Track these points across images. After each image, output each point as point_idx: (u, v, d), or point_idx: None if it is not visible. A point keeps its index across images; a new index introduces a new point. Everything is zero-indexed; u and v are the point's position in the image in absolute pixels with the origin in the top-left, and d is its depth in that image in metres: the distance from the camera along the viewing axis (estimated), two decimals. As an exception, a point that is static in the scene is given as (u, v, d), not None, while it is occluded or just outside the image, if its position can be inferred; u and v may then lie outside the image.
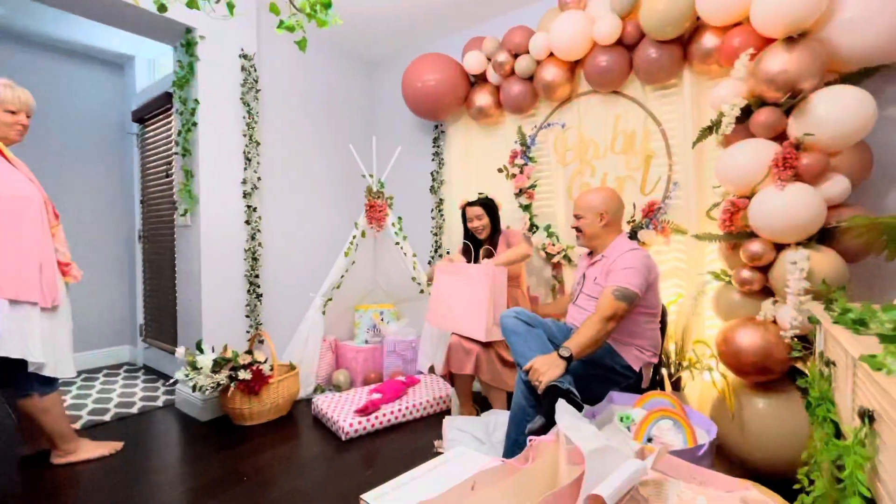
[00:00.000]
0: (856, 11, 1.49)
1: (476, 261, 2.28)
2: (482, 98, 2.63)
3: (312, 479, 1.75)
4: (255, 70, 2.53)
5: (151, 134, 3.08)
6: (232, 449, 2.00)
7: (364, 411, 2.17)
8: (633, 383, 1.60)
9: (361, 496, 0.87)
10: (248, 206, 2.52)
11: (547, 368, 1.36)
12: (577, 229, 1.79)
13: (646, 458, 0.75)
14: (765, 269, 1.65)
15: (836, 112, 1.47)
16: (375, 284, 3.12)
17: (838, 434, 0.87)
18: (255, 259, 2.54)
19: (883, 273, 1.63)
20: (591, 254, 1.82)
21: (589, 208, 1.74)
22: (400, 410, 2.27)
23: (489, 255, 2.24)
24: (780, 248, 1.59)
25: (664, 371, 1.92)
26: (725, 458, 1.73)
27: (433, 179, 3.01)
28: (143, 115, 3.08)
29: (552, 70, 2.32)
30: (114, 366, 3.31)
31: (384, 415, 2.20)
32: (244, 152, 2.51)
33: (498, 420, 1.82)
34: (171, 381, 2.48)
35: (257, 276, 2.56)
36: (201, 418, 2.31)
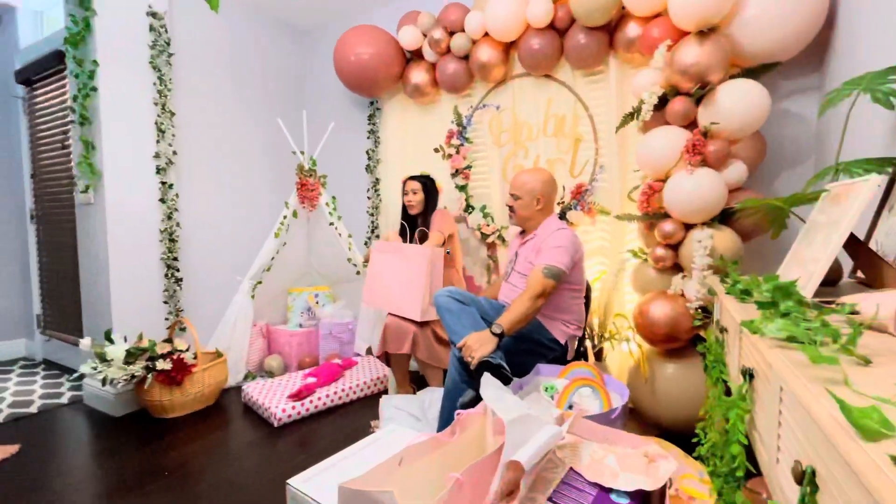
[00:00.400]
0: (757, 10, 1.63)
1: (411, 241, 2.28)
2: (418, 75, 2.58)
3: (242, 467, 1.68)
4: (167, 31, 2.29)
5: (42, 98, 2.70)
6: (151, 444, 1.87)
7: (298, 396, 2.12)
8: (559, 355, 1.69)
9: (287, 481, 0.85)
10: (163, 183, 2.31)
11: (479, 345, 1.40)
12: (511, 208, 1.82)
13: (563, 424, 0.79)
14: (676, 247, 1.80)
15: (738, 103, 1.61)
16: (309, 266, 3.01)
17: (729, 392, 0.98)
18: (172, 241, 2.34)
19: (771, 250, 1.85)
20: (523, 233, 1.87)
21: (527, 191, 1.78)
22: (336, 393, 2.24)
23: (424, 237, 2.24)
24: (689, 227, 1.74)
25: (588, 343, 2.05)
26: (641, 419, 1.90)
27: (369, 158, 2.93)
28: (30, 76, 2.68)
29: (487, 50, 2.32)
30: (6, 362, 2.94)
31: (319, 398, 2.16)
32: (156, 123, 2.28)
33: (433, 397, 1.86)
34: (76, 375, 2.25)
35: (176, 259, 2.36)
36: (115, 413, 2.13)
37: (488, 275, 2.58)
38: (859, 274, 1.06)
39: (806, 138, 1.88)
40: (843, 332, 0.54)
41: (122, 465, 1.70)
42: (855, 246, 0.96)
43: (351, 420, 2.08)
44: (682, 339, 1.75)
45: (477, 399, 1.35)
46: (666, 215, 1.77)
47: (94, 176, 2.10)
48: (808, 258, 0.99)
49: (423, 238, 2.24)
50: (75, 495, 1.52)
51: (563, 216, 2.27)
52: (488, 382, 0.80)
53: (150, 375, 1.99)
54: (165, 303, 2.35)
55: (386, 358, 2.12)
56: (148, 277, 2.29)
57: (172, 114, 2.33)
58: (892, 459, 0.27)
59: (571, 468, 0.74)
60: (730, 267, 1.08)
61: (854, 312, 0.64)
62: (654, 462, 0.73)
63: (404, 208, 2.36)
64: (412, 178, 2.33)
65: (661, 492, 0.72)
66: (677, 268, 1.83)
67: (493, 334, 1.43)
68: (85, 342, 2.03)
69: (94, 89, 2.07)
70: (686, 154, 1.67)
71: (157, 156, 2.28)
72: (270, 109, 2.93)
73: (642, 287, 1.91)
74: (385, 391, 2.38)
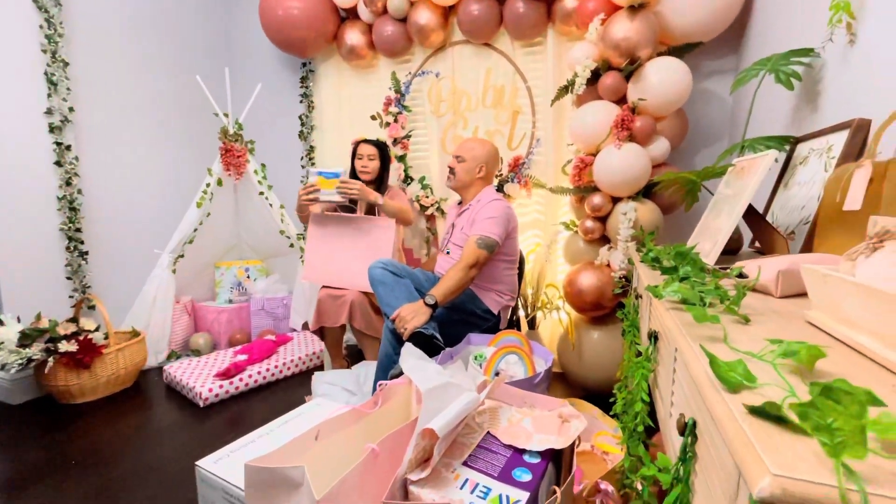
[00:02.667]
0: (683, -11, 1.68)
1: (354, 211, 2.16)
2: (353, 36, 2.44)
3: (163, 452, 1.59)
4: (54, -35, 1.97)
5: None
6: (58, 431, 1.71)
7: (226, 374, 2.02)
8: (492, 325, 1.73)
9: (196, 462, 0.80)
10: (58, 144, 2.03)
11: (412, 316, 1.39)
12: (452, 170, 1.78)
13: (483, 391, 0.80)
14: (604, 220, 1.87)
15: (664, 80, 1.67)
16: (239, 239, 2.83)
17: (640, 355, 1.04)
18: (73, 209, 2.09)
19: (689, 222, 1.98)
20: (460, 204, 1.86)
21: (473, 156, 1.75)
22: (268, 370, 2.16)
23: (370, 211, 2.12)
24: (616, 200, 1.81)
25: (521, 312, 2.11)
26: (568, 382, 2.01)
27: (302, 124, 2.76)
28: None
29: (425, 13, 2.23)
30: None
31: (249, 376, 2.08)
32: (46, 74, 1.99)
33: (369, 371, 1.84)
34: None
35: (79, 231, 2.12)
36: (12, 401, 1.92)
37: (427, 247, 2.57)
38: (757, 244, 1.16)
39: (722, 117, 2.00)
40: (731, 293, 0.58)
41: (22, 456, 1.54)
42: (753, 217, 1.03)
43: (283, 397, 2.02)
44: (607, 307, 1.85)
45: None
46: (595, 189, 1.83)
47: (-32, 133, 1.81)
48: (714, 228, 1.06)
49: (370, 212, 2.13)
50: (-40, 493, 1.36)
51: (500, 189, 2.28)
52: (409, 352, 0.79)
53: (51, 359, 1.80)
54: (69, 278, 2.12)
55: (321, 332, 2.06)
56: (45, 250, 2.04)
57: (66, 63, 2.04)
58: (747, 408, 0.28)
59: (489, 432, 0.75)
60: (646, 238, 1.14)
61: (742, 276, 0.68)
62: (567, 422, 0.76)
63: (353, 174, 2.16)
64: (367, 141, 2.14)
65: (572, 448, 0.75)
66: (605, 239, 1.92)
67: (427, 305, 1.42)
68: (-33, 324, 1.78)
69: (-39, 29, 1.75)
70: (615, 129, 1.71)
71: (49, 112, 2.00)
72: (189, 65, 2.65)
73: (572, 258, 1.99)
74: (321, 367, 2.33)
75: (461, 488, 0.63)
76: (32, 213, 1.99)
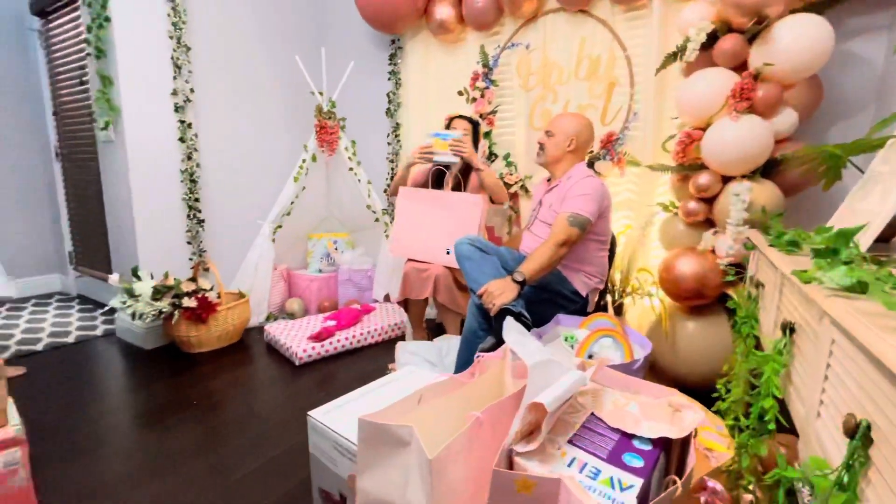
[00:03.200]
0: (831, -68, 1.43)
1: (442, 187, 2.19)
2: (443, 10, 2.41)
3: (265, 400, 1.76)
4: (179, -43, 2.16)
5: (57, 31, 2.63)
6: (180, 376, 1.96)
7: (318, 337, 2.17)
8: (579, 308, 1.67)
9: (308, 413, 0.87)
10: (182, 122, 2.27)
11: (500, 292, 1.38)
12: (541, 146, 1.74)
13: (587, 371, 0.78)
14: (710, 201, 1.70)
15: (797, 42, 1.45)
16: (329, 212, 3.00)
17: (758, 348, 0.95)
18: (193, 181, 2.34)
19: (812, 206, 1.74)
20: (549, 181, 1.80)
21: (562, 129, 1.70)
22: (354, 336, 2.29)
23: (458, 185, 2.15)
24: (726, 180, 1.64)
25: (608, 297, 2.02)
26: (658, 374, 1.90)
27: (389, 101, 2.82)
28: (45, 7, 2.61)
29: (519, -19, 2.13)
30: (44, 295, 3.09)
31: (338, 340, 2.22)
32: (172, 58, 2.21)
33: (450, 345, 1.87)
34: (106, 308, 2.33)
35: (198, 200, 2.37)
36: (145, 346, 2.24)
37: (509, 226, 2.53)
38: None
39: (868, 84, 1.71)
40: (912, 282, 0.49)
41: (154, 395, 1.79)
42: (919, 198, 0.87)
43: (368, 362, 2.13)
44: (708, 297, 1.70)
45: (496, 346, 1.35)
46: (703, 166, 1.67)
47: (112, 112, 2.08)
48: (863, 211, 0.91)
49: (457, 188, 2.15)
50: (111, 419, 1.62)
51: (590, 166, 2.17)
52: (511, 326, 0.78)
53: (176, 312, 2.05)
54: (189, 243, 2.39)
55: (405, 304, 2.13)
56: (171, 218, 2.31)
57: (188, 48, 2.25)
58: None
59: (593, 413, 0.73)
60: (773, 219, 1.01)
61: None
62: (679, 412, 0.71)
63: None
64: (461, 116, 2.17)
65: (684, 442, 0.70)
66: (709, 223, 1.75)
67: (515, 282, 1.40)
68: (113, 278, 2.09)
69: (108, 19, 1.99)
70: (732, 99, 1.54)
71: (174, 93, 2.23)
72: (288, 46, 2.80)
73: (670, 242, 1.84)
74: (402, 337, 2.42)
75: (569, 465, 0.62)
76: (161, 184, 2.26)
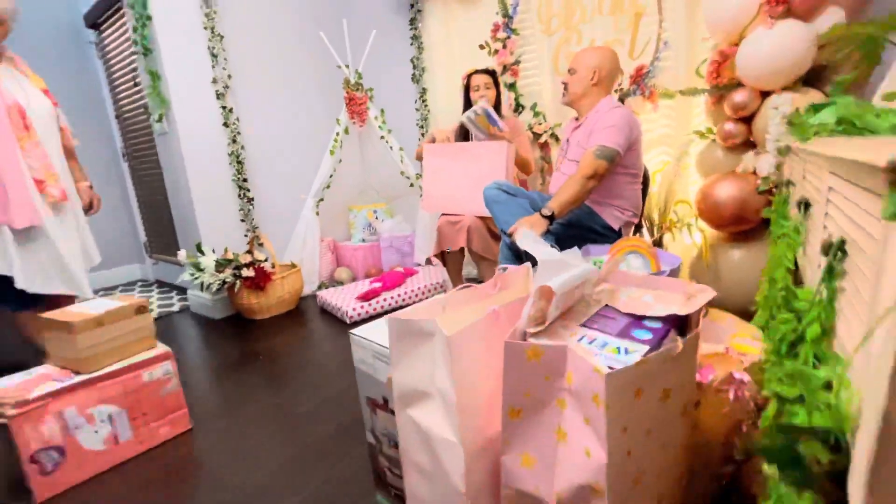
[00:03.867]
0: None
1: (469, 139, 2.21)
2: (458, -36, 2.39)
3: (321, 352, 1.92)
4: (204, -51, 2.29)
5: (110, 39, 2.88)
6: (246, 337, 2.17)
7: (365, 297, 2.31)
8: (611, 242, 1.66)
9: (351, 331, 0.97)
10: (224, 108, 2.44)
11: (529, 227, 1.41)
12: (566, 85, 1.72)
13: (598, 267, 0.81)
14: (749, 121, 1.62)
15: (837, -70, 1.33)
16: (366, 183, 3.11)
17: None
18: (240, 163, 2.52)
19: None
20: (577, 119, 1.78)
21: (584, 64, 1.66)
22: (399, 296, 2.40)
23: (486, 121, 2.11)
24: (765, 95, 1.55)
25: (647, 235, 1.98)
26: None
27: (414, 67, 2.85)
28: (96, 19, 2.85)
29: (532, -81, 2.07)
30: (128, 283, 3.47)
31: (384, 300, 2.34)
32: (209, 48, 2.36)
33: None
34: (182, 281, 2.57)
35: (245, 181, 2.55)
36: (215, 317, 2.48)
37: (542, 177, 2.52)
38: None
39: (931, -31, 1.52)
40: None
41: (226, 352, 2.01)
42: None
43: (414, 317, 2.24)
44: (752, 221, 1.63)
45: None
46: (739, 84, 1.58)
47: (164, 104, 2.27)
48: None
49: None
50: (196, 374, 1.84)
51: (621, 102, 2.10)
52: (528, 235, 0.82)
53: (238, 282, 2.26)
54: (242, 221, 2.59)
55: (442, 259, 2.21)
56: (224, 198, 2.51)
57: (221, 37, 2.39)
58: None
59: (608, 304, 0.76)
60: (801, 116, 0.96)
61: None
62: (693, 297, 0.73)
63: (468, 102, 2.21)
64: (479, 71, 2.19)
65: (698, 321, 0.72)
66: (749, 145, 1.67)
67: (543, 217, 1.43)
68: (181, 253, 2.33)
69: (150, 17, 2.16)
70: (766, 4, 1.44)
71: (214, 81, 2.39)
72: (312, 22, 2.87)
73: (709, 170, 1.77)
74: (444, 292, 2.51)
75: (578, 340, 0.67)
76: (213, 168, 2.45)
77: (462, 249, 2.07)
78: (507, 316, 0.75)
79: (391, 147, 2.71)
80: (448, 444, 0.71)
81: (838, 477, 0.35)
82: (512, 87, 2.44)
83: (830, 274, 0.42)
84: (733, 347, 1.09)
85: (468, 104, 2.19)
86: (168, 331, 2.37)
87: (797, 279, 0.72)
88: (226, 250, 2.38)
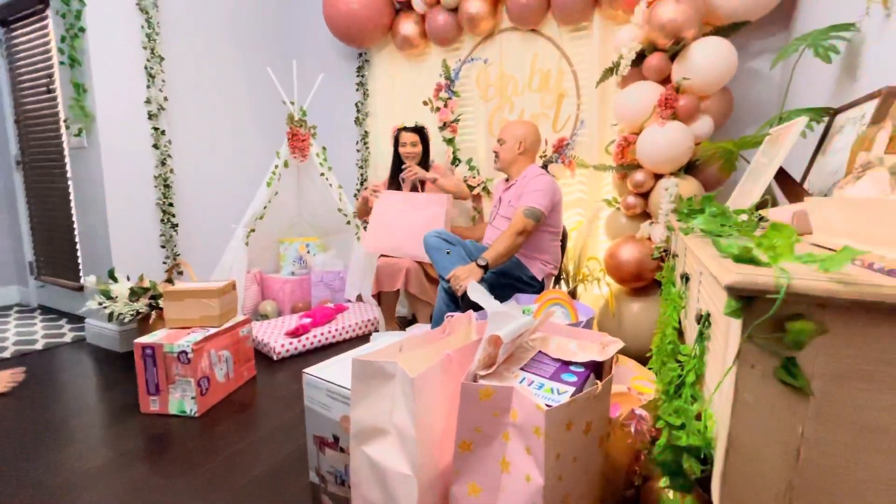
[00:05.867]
0: (730, -30, 1.73)
1: (399, 188, 2.43)
2: (407, 27, 2.61)
3: (248, 390, 1.85)
4: (152, -28, 2.26)
5: (22, 40, 2.64)
6: (159, 373, 2.01)
7: (295, 333, 2.27)
8: (536, 291, 1.87)
9: (304, 370, 1.01)
10: (155, 129, 2.34)
11: (466, 275, 1.56)
12: (497, 154, 1.97)
13: (535, 319, 0.96)
14: (646, 196, 1.96)
15: (708, 60, 1.73)
16: (300, 217, 3.10)
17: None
18: (167, 186, 2.40)
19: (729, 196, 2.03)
20: (507, 181, 2.01)
21: (512, 136, 1.93)
22: (330, 332, 2.40)
23: (416, 186, 2.36)
24: (658, 177, 1.90)
25: (564, 286, 2.24)
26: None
27: (358, 111, 2.98)
28: (7, 17, 2.61)
29: (476, 3, 2.36)
30: (1, 307, 3.01)
31: (315, 336, 2.32)
32: (146, 67, 2.29)
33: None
34: (82, 311, 2.33)
35: (171, 205, 2.43)
36: (120, 349, 2.26)
37: (473, 223, 2.72)
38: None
39: (769, 96, 2.03)
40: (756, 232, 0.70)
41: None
42: (786, 181, 1.12)
43: (345, 354, 2.25)
44: (647, 279, 1.94)
45: None
46: (638, 166, 1.92)
47: (86, 119, 2.13)
48: (748, 193, 1.15)
49: (417, 187, 2.37)
50: (102, 411, 1.67)
51: (544, 168, 2.40)
52: (476, 286, 0.95)
53: (153, 312, 2.10)
54: (163, 247, 2.44)
55: (378, 298, 2.28)
56: (145, 222, 2.36)
57: (161, 58, 2.33)
58: (732, 257, 0.42)
59: (540, 351, 0.91)
60: (683, 203, 1.24)
61: (761, 218, 0.80)
62: (607, 346, 0.90)
63: (398, 160, 2.44)
64: (407, 129, 2.39)
65: (610, 366, 0.89)
66: (646, 215, 2.01)
67: (479, 266, 1.59)
68: (90, 279, 2.12)
69: (83, 30, 2.06)
70: (659, 108, 1.80)
71: (148, 101, 2.30)
72: (260, 58, 2.92)
73: (614, 233, 2.09)
74: (376, 331, 2.55)
75: (520, 382, 0.80)
76: (135, 190, 2.31)
77: (398, 290, 2.16)
78: (458, 360, 0.86)
79: (331, 184, 2.76)
80: (403, 478, 0.79)
81: (708, 483, 0.51)
82: (450, 142, 2.66)
83: (701, 337, 0.59)
84: (634, 388, 1.30)
85: (397, 156, 2.45)
86: (57, 365, 2.11)
87: (681, 335, 0.93)
88: (141, 278, 2.22)
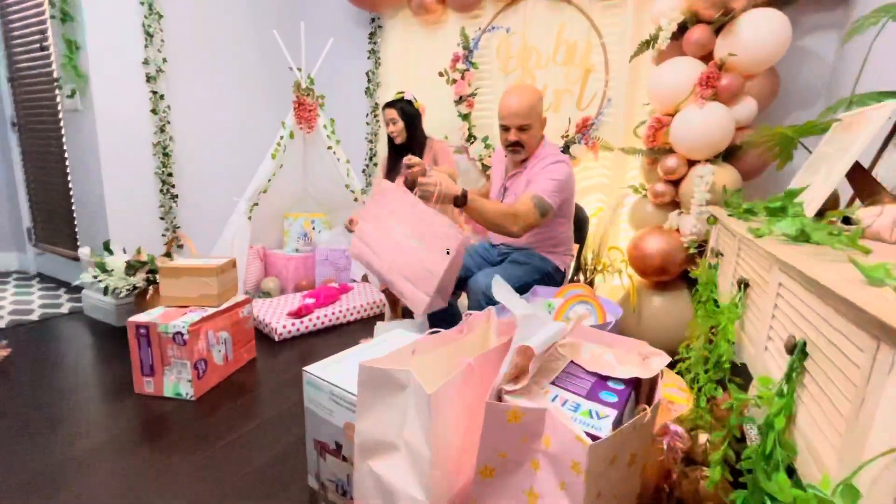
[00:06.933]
0: (792, -68, 1.54)
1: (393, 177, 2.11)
2: (424, -10, 2.42)
3: (247, 373, 1.77)
4: (150, -81, 2.07)
5: (12, -7, 2.47)
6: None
7: (297, 314, 2.18)
8: (558, 283, 1.75)
9: (304, 368, 0.91)
10: (154, 93, 2.20)
11: (441, 185, 1.34)
12: (520, 143, 1.56)
13: (567, 325, 0.85)
14: (676, 184, 1.82)
15: (758, 35, 1.56)
16: (305, 192, 2.98)
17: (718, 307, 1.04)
18: (166, 155, 2.28)
19: (767, 189, 1.88)
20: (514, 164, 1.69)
21: (535, 115, 1.53)
22: (333, 314, 2.31)
23: (412, 184, 2.01)
24: (692, 163, 1.75)
25: (581, 276, 2.12)
26: (623, 346, 2.01)
27: (369, 81, 2.81)
28: (-2, -35, 2.44)
29: (501, -36, 2.17)
30: (1, 274, 2.94)
31: (318, 317, 2.24)
32: (143, 25, 2.13)
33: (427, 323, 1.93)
34: (75, 284, 2.26)
35: (171, 175, 2.31)
36: (116, 323, 2.19)
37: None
38: (857, 203, 1.10)
39: (819, 78, 1.85)
40: (844, 233, 0.57)
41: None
42: (856, 174, 0.98)
43: (347, 339, 2.16)
44: (673, 273, 1.82)
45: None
46: (671, 150, 1.78)
47: (79, 79, 1.99)
48: (814, 187, 1.02)
49: (410, 184, 2.11)
50: (90, 392, 1.60)
51: (566, 150, 2.25)
52: (501, 286, 0.84)
53: (150, 287, 2.02)
54: (162, 219, 2.34)
55: (384, 288, 2.16)
56: (143, 192, 2.25)
57: (160, 16, 2.17)
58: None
59: (572, 361, 0.80)
60: (734, 195, 1.11)
61: (849, 221, 0.67)
62: (648, 358, 0.79)
63: (390, 139, 2.21)
64: (388, 104, 2.14)
65: (652, 384, 0.79)
66: (675, 204, 1.87)
67: (456, 196, 1.36)
68: (84, 251, 2.03)
69: (75, -20, 1.90)
70: (699, 87, 1.64)
71: (146, 62, 2.16)
72: (266, 19, 2.73)
73: (639, 222, 1.95)
74: (380, 315, 2.46)
75: (552, 401, 0.69)
76: (132, 157, 2.19)
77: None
78: (480, 369, 0.76)
79: (338, 158, 2.62)
80: (413, 502, 0.69)
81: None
82: (466, 117, 2.50)
83: (792, 371, 0.48)
84: (663, 396, 1.20)
85: (389, 137, 2.20)
86: (52, 337, 2.04)
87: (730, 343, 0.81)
88: (139, 251, 2.12)
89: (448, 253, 1.36)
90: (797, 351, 0.48)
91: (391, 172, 2.21)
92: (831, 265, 0.47)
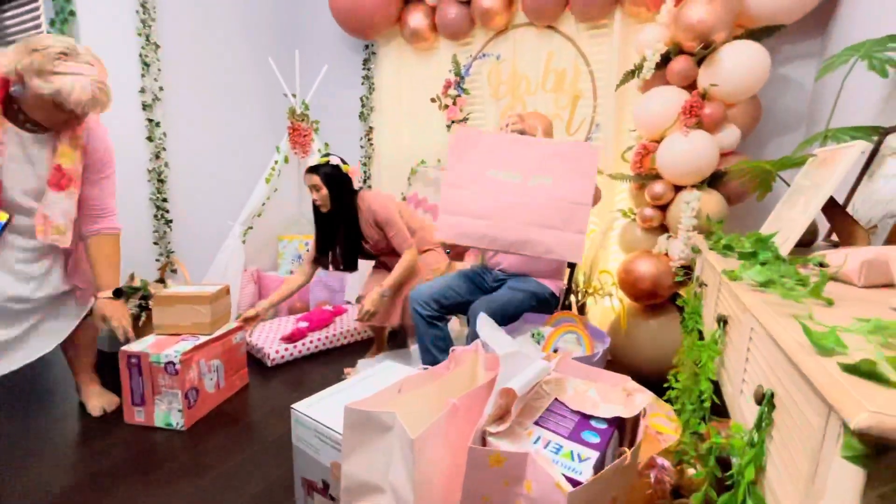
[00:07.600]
0: (767, -32, 1.60)
1: (340, 254, 2.03)
2: (416, 19, 2.48)
3: (238, 401, 1.76)
4: (149, -46, 2.13)
5: (11, 23, 2.52)
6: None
7: (290, 339, 2.18)
8: (551, 310, 1.76)
9: (292, 406, 0.91)
10: (150, 120, 2.23)
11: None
12: None
13: (551, 362, 0.86)
14: (664, 208, 1.85)
15: (739, 66, 1.61)
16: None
17: (702, 339, 1.06)
18: (161, 181, 2.30)
19: (754, 215, 1.91)
20: None
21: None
22: (327, 338, 2.31)
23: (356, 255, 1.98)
24: (678, 189, 1.78)
25: (572, 298, 2.13)
26: (617, 367, 2.02)
27: (363, 105, 2.86)
28: (-2, -4, 2.49)
29: (490, -5, 2.23)
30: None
31: (311, 342, 2.24)
32: (140, 55, 2.17)
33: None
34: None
35: (165, 200, 2.33)
36: (108, 349, 2.18)
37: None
38: (833, 237, 1.13)
39: (800, 106, 1.90)
40: (811, 280, 0.59)
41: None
42: (833, 209, 1.01)
43: (341, 363, 2.16)
44: (662, 296, 1.84)
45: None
46: (657, 176, 1.81)
47: (76, 109, 2.01)
48: (788, 220, 1.04)
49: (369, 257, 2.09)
50: (71, 422, 1.59)
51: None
52: (485, 322, 0.85)
53: (143, 314, 2.02)
54: (156, 244, 2.34)
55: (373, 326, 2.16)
56: (136, 217, 2.26)
57: (157, 46, 2.21)
58: (841, 366, 0.32)
59: (556, 399, 0.81)
60: (715, 226, 1.14)
61: (822, 265, 0.69)
62: (632, 395, 0.80)
63: (315, 208, 1.97)
64: (310, 169, 1.90)
65: (636, 420, 0.80)
66: (663, 228, 1.89)
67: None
68: (76, 279, 2.03)
69: (73, 13, 1.94)
70: (683, 115, 1.68)
71: (142, 91, 2.19)
72: (262, 47, 2.79)
73: (628, 246, 1.98)
74: (372, 339, 2.46)
75: (535, 443, 0.70)
76: (127, 183, 2.20)
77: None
78: (465, 410, 0.76)
79: (332, 182, 2.65)
80: (398, 545, 0.69)
81: None
82: (458, 141, 2.54)
83: (761, 421, 0.49)
84: (651, 426, 1.20)
85: (315, 207, 1.98)
86: (47, 362, 2.02)
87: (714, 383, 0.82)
88: (132, 276, 2.13)
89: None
90: (765, 402, 0.49)
91: (326, 243, 2.04)
92: (796, 320, 0.48)
